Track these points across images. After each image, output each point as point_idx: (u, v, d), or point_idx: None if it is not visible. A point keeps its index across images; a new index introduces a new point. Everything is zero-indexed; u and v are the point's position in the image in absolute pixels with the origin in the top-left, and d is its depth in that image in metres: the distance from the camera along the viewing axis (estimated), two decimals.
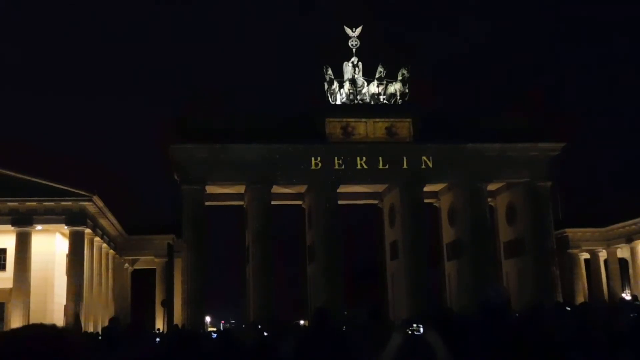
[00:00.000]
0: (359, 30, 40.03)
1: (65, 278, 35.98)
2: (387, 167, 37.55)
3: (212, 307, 50.67)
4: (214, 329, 37.39)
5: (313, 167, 37.01)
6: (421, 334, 2.59)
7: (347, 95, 38.45)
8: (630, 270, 45.74)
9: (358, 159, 37.39)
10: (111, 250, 44.23)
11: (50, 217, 34.75)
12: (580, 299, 41.60)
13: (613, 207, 46.18)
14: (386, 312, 37.14)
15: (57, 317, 36.28)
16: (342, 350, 5.24)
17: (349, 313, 33.44)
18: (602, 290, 46.25)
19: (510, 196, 41.12)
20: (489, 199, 40.84)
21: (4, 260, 37.07)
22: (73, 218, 34.90)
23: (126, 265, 49.15)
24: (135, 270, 51.03)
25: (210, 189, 38.41)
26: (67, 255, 36.29)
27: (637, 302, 18.71)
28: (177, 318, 36.00)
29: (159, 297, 44.61)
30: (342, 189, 38.56)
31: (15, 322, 31.72)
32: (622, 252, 46.76)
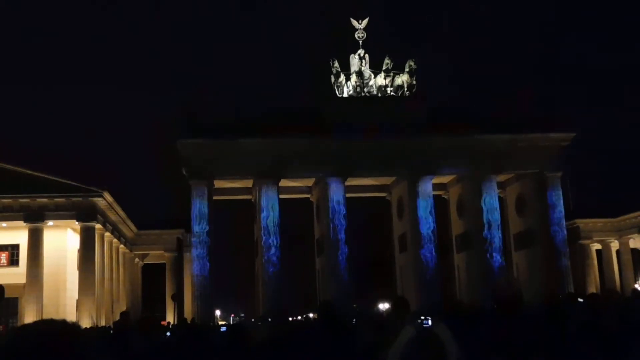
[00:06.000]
0: (365, 22, 39.75)
1: (77, 273, 36.37)
2: (395, 158, 37.39)
3: (222, 300, 50.99)
4: (224, 323, 37.68)
5: (321, 160, 36.95)
6: (430, 327, 2.54)
7: (354, 88, 38.26)
8: None
9: (366, 151, 37.26)
10: (122, 246, 44.61)
11: (61, 213, 35.09)
12: (592, 290, 41.23)
13: (625, 197, 45.65)
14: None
15: (70, 311, 36.74)
16: (349, 343, 5.21)
17: (357, 306, 33.49)
18: (614, 281, 45.81)
19: (520, 187, 40.78)
20: (498, 191, 40.54)
21: (17, 256, 37.53)
22: (84, 214, 35.22)
23: (136, 260, 49.58)
24: (146, 264, 51.48)
25: (219, 184, 38.53)
26: (79, 251, 36.67)
27: None
28: (187, 312, 36.29)
29: (169, 291, 44.99)
30: (350, 181, 38.49)
31: (29, 316, 32.17)
32: (635, 242, 46.25)
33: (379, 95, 38.33)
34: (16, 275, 35.32)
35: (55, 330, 1.56)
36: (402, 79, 38.38)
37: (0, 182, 33.41)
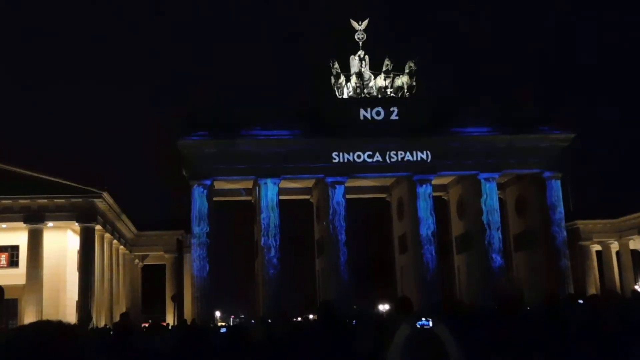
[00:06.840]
0: (365, 23, 39.79)
1: (76, 274, 36.34)
2: (395, 160, 37.43)
3: (222, 302, 50.98)
4: (224, 324, 37.65)
5: (320, 161, 36.98)
6: (430, 327, 2.53)
7: (354, 89, 38.29)
8: None
9: (366, 152, 37.29)
10: (121, 247, 44.58)
11: (61, 214, 35.06)
12: (592, 291, 41.23)
13: (625, 198, 45.63)
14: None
15: (70, 312, 36.71)
16: (349, 343, 5.20)
17: (357, 307, 33.48)
18: (615, 282, 45.79)
19: (520, 188, 40.80)
20: (498, 192, 40.56)
21: (17, 257, 37.51)
22: (84, 215, 35.20)
23: (136, 261, 49.56)
24: (146, 265, 51.47)
25: (219, 184, 38.55)
26: (79, 252, 36.64)
27: None
28: (187, 313, 36.26)
29: (169, 292, 44.96)
30: (350, 182, 38.51)
31: (29, 317, 32.14)
32: (635, 243, 46.23)
33: (379, 96, 38.36)
34: (16, 276, 35.27)
35: (52, 331, 1.56)
36: (402, 80, 38.42)
37: (0, 183, 33.41)
